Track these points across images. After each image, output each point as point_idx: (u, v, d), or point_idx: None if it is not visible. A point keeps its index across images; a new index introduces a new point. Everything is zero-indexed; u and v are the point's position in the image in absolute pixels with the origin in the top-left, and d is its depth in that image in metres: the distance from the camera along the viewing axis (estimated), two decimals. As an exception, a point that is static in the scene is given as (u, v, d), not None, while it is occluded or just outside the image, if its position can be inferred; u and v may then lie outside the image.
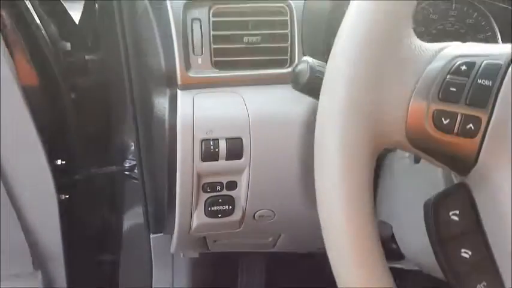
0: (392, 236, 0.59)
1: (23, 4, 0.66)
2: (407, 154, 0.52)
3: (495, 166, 0.31)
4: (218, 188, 0.55)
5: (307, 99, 0.48)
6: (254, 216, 0.59)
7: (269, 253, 0.78)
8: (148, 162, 0.65)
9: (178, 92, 0.53)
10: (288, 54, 0.56)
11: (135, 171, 0.81)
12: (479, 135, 0.30)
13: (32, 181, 0.70)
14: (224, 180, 0.55)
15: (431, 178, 0.45)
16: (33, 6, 0.68)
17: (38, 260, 0.74)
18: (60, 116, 0.73)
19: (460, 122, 0.30)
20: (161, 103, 0.56)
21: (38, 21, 0.68)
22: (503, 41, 0.66)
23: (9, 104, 0.65)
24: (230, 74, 0.54)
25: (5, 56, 0.64)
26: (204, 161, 0.52)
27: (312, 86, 0.39)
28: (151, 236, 0.79)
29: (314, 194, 0.33)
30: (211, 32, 0.54)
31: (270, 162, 0.55)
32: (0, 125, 0.65)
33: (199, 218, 0.56)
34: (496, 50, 0.32)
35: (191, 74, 0.53)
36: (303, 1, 0.56)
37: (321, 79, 0.33)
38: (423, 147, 0.32)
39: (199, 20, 0.53)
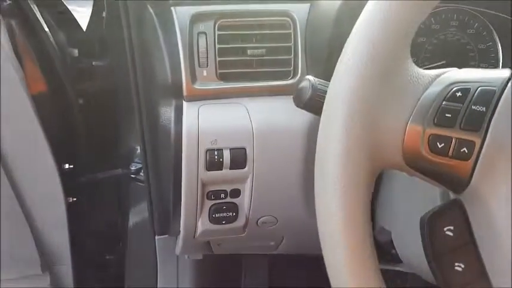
0: (392, 241, 0.61)
1: (32, 13, 0.67)
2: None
3: (488, 186, 0.32)
4: (222, 195, 0.57)
5: (309, 111, 0.49)
6: (257, 222, 0.61)
7: (272, 254, 0.80)
8: (154, 167, 0.66)
9: (184, 103, 0.55)
10: (292, 67, 0.57)
11: (141, 174, 0.83)
12: (473, 157, 0.32)
13: (41, 185, 0.72)
14: (228, 188, 0.57)
15: (429, 190, 0.47)
16: (41, 15, 0.69)
17: (46, 261, 0.76)
18: (68, 121, 0.75)
19: (454, 146, 0.32)
20: (167, 113, 0.57)
21: (47, 29, 0.70)
22: (504, 51, 0.67)
23: (18, 110, 0.67)
24: (235, 86, 0.56)
25: (14, 64, 0.66)
26: (208, 170, 0.54)
27: (313, 104, 0.40)
28: (157, 237, 0.81)
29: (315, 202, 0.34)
30: (217, 45, 0.55)
31: (273, 171, 0.57)
32: (10, 130, 0.67)
33: (203, 224, 0.58)
34: (491, 76, 0.34)
35: (197, 86, 0.55)
36: (306, 15, 0.57)
37: (322, 97, 0.35)
38: (419, 168, 0.33)
39: (205, 33, 0.55)
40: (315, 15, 0.57)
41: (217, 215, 0.57)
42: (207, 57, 0.55)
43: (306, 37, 0.57)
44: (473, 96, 0.32)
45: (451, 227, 0.35)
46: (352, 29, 0.34)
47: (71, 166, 0.75)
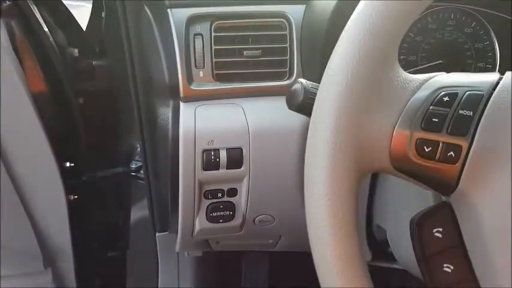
0: (387, 240, 0.62)
1: (32, 13, 0.68)
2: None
3: (475, 190, 0.33)
4: (219, 194, 0.58)
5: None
6: (254, 221, 0.61)
7: (272, 251, 0.81)
8: (153, 165, 0.67)
9: (181, 104, 0.55)
10: (287, 67, 0.58)
11: (141, 172, 0.84)
12: (460, 161, 0.32)
13: (42, 183, 0.73)
14: (225, 187, 0.58)
15: (422, 191, 0.47)
16: (41, 15, 0.70)
17: (48, 258, 0.77)
18: (68, 120, 0.76)
19: (441, 150, 0.32)
20: (165, 113, 0.58)
21: (46, 29, 0.71)
22: (501, 50, 0.67)
23: (19, 109, 0.68)
24: (231, 87, 0.57)
25: (14, 63, 0.67)
26: (205, 170, 0.55)
27: (305, 107, 0.41)
28: (157, 234, 0.82)
29: None
30: (213, 47, 0.56)
31: (269, 170, 0.57)
32: (11, 129, 0.68)
33: (201, 223, 0.59)
34: (479, 80, 0.34)
35: (193, 87, 0.55)
36: (302, 16, 0.57)
37: (314, 100, 0.35)
38: (407, 172, 0.34)
39: (201, 34, 0.55)
40: (310, 17, 0.57)
41: (214, 214, 0.58)
42: (204, 58, 0.55)
43: (302, 38, 0.57)
44: (460, 100, 0.33)
45: (440, 229, 0.35)
46: None
47: (72, 164, 0.76)
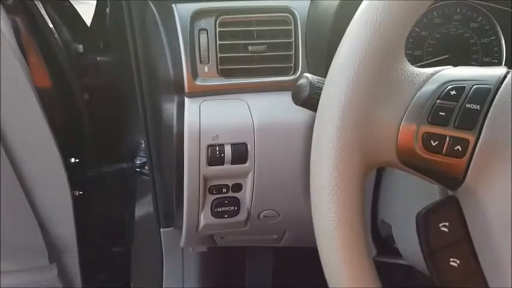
0: (392, 235, 0.61)
1: (36, 9, 0.68)
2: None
3: (482, 184, 0.32)
4: (224, 190, 0.58)
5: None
6: (259, 216, 0.61)
7: (277, 246, 0.81)
8: (158, 161, 0.67)
9: (186, 99, 0.55)
10: (292, 62, 0.58)
11: (146, 167, 0.84)
12: (467, 155, 0.32)
13: (47, 179, 0.73)
14: (230, 182, 0.58)
15: (427, 186, 0.47)
16: (46, 11, 0.70)
17: (54, 254, 0.78)
18: (73, 116, 0.76)
19: (448, 144, 0.32)
20: (170, 108, 0.58)
21: (51, 25, 0.71)
22: (507, 45, 0.67)
23: (24, 105, 0.68)
24: (235, 82, 0.56)
25: (20, 60, 0.67)
26: (210, 166, 0.55)
27: (311, 102, 0.41)
28: (162, 230, 0.82)
29: None
30: (218, 42, 0.55)
31: (274, 165, 0.57)
32: (16, 125, 0.68)
33: (206, 218, 0.59)
34: (486, 74, 0.34)
35: (198, 82, 0.55)
36: (307, 11, 0.57)
37: (320, 95, 0.35)
38: (413, 166, 0.34)
39: (206, 30, 0.55)
40: (316, 11, 0.57)
41: (219, 209, 0.58)
42: (208, 53, 0.55)
43: (307, 33, 0.57)
44: (467, 94, 0.32)
45: (446, 223, 0.35)
46: None
47: (77, 160, 0.77)
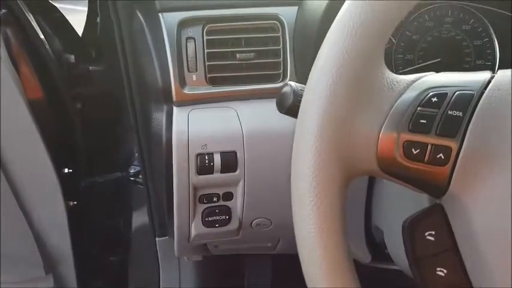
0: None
1: (27, 21, 0.68)
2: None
3: (466, 192, 0.32)
4: (215, 199, 0.57)
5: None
6: (251, 224, 0.61)
7: (275, 254, 0.81)
8: (150, 170, 0.67)
9: (174, 108, 0.55)
10: (281, 69, 0.57)
11: (140, 176, 0.84)
12: (450, 163, 0.31)
13: (40, 190, 0.73)
14: (220, 191, 0.57)
15: (416, 192, 0.46)
16: (37, 22, 0.70)
17: (49, 264, 0.77)
18: (65, 126, 0.76)
19: (430, 152, 0.31)
20: (159, 118, 0.58)
21: (42, 36, 0.71)
22: (501, 47, 0.66)
23: (16, 116, 0.68)
24: (224, 90, 0.56)
25: (11, 71, 0.67)
26: (199, 175, 0.54)
27: (295, 109, 0.40)
28: (157, 239, 0.82)
29: None
30: (206, 50, 0.55)
31: (265, 173, 0.57)
32: (8, 136, 0.68)
33: (197, 227, 0.58)
34: (469, 79, 0.33)
35: (186, 91, 0.55)
36: (294, 18, 0.57)
37: None
38: (395, 174, 0.33)
39: (194, 38, 0.55)
40: (303, 18, 0.57)
41: (210, 219, 0.58)
42: (196, 62, 0.55)
43: (295, 40, 0.57)
44: (450, 101, 0.32)
45: (432, 232, 0.35)
46: None
47: (70, 170, 0.77)
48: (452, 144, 0.31)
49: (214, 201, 0.57)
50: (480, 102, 0.32)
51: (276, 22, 0.57)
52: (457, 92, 0.32)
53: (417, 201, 0.46)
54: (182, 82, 0.55)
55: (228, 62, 0.56)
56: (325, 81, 0.31)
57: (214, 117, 0.55)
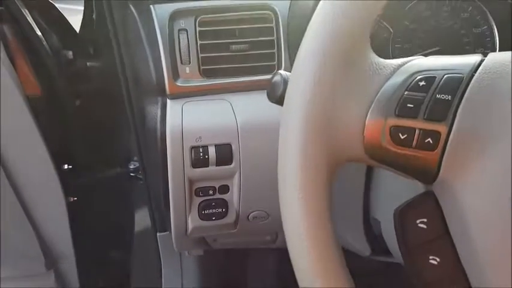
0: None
1: (24, 17, 0.68)
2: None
3: (457, 177, 0.31)
4: (211, 192, 0.57)
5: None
6: (248, 217, 0.60)
7: (279, 248, 0.80)
8: (148, 165, 0.67)
9: (168, 101, 0.55)
10: (275, 60, 0.57)
11: (140, 172, 0.84)
12: (439, 148, 0.31)
13: (40, 186, 0.73)
14: (216, 184, 0.57)
15: (412, 181, 0.46)
16: (33, 19, 0.71)
17: (50, 260, 0.78)
18: (64, 122, 0.76)
19: (418, 137, 0.31)
20: (154, 111, 0.58)
21: (39, 33, 0.71)
22: (500, 34, 0.65)
23: (14, 114, 0.68)
24: (218, 82, 0.56)
25: (8, 68, 0.67)
26: (194, 167, 0.54)
27: (286, 98, 0.40)
28: (158, 234, 0.82)
29: None
30: (198, 42, 0.55)
31: (260, 165, 0.56)
32: (7, 133, 0.68)
33: (193, 221, 0.58)
34: (458, 62, 0.32)
35: (179, 84, 0.55)
36: (288, 8, 0.56)
37: None
38: (383, 161, 0.33)
39: (186, 30, 0.55)
40: (296, 8, 0.56)
41: (206, 212, 0.58)
42: (189, 54, 0.55)
43: (289, 30, 0.56)
44: (438, 84, 0.31)
45: (424, 220, 0.34)
46: None
47: (70, 166, 0.77)
48: (441, 129, 0.31)
49: (211, 194, 0.57)
50: (470, 85, 0.31)
51: (270, 12, 0.56)
52: (445, 76, 0.31)
53: (413, 189, 0.46)
54: (175, 75, 0.55)
55: (222, 54, 0.56)
56: (309, 67, 0.31)
57: (209, 110, 0.55)
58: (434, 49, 0.65)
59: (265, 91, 0.55)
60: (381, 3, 0.32)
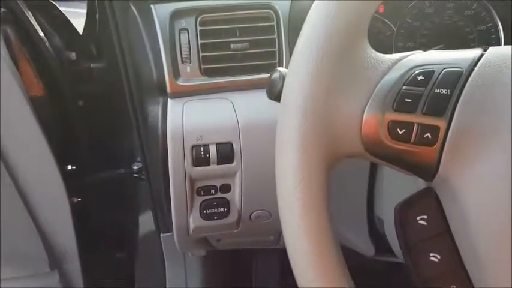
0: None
1: (27, 19, 0.69)
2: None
3: (457, 173, 0.31)
4: (212, 191, 0.57)
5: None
6: (250, 217, 0.60)
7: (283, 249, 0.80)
8: (152, 165, 0.67)
9: (169, 100, 0.55)
10: (276, 59, 0.57)
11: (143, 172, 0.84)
12: (439, 143, 0.30)
13: (44, 186, 0.74)
14: (218, 183, 0.57)
15: (414, 178, 0.45)
16: (36, 20, 0.71)
17: (55, 260, 0.78)
18: (68, 123, 0.77)
19: (416, 132, 0.30)
20: (155, 110, 0.58)
21: (42, 35, 0.71)
22: (505, 32, 0.64)
23: (18, 115, 0.69)
24: (219, 81, 0.56)
25: (12, 70, 0.67)
26: (195, 166, 0.54)
27: (284, 96, 0.39)
28: (162, 235, 0.82)
29: None
30: (199, 41, 0.55)
31: (262, 164, 0.56)
32: (11, 134, 0.69)
33: (195, 220, 0.58)
34: (457, 57, 0.32)
35: (180, 83, 0.55)
36: (289, 7, 0.56)
37: None
38: (382, 156, 0.32)
39: (187, 29, 0.55)
40: (297, 6, 0.56)
41: (208, 211, 0.57)
42: (190, 53, 0.55)
43: (289, 29, 0.56)
44: (437, 79, 0.31)
45: (425, 216, 0.33)
46: None
47: (74, 167, 0.77)
48: (440, 123, 0.30)
49: (212, 194, 0.57)
50: (469, 79, 0.30)
51: (270, 11, 0.56)
52: (444, 70, 0.31)
53: (415, 187, 0.45)
54: (176, 74, 0.55)
55: (223, 53, 0.55)
56: (306, 62, 0.31)
57: (210, 109, 0.55)
58: (438, 47, 0.64)
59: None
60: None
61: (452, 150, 0.30)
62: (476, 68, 0.31)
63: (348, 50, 0.31)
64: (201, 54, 0.55)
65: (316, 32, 0.31)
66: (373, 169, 0.59)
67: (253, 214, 0.60)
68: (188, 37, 0.55)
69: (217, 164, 0.54)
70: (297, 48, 0.32)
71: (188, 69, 0.55)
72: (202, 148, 0.53)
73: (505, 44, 0.65)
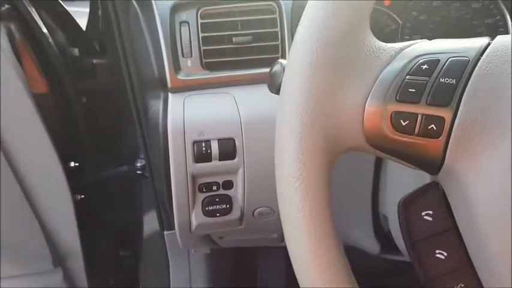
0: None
1: (30, 15, 0.69)
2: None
3: (463, 166, 0.29)
4: (214, 187, 0.56)
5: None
6: (253, 214, 0.59)
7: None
8: (155, 162, 0.66)
9: (169, 95, 0.54)
10: (279, 53, 0.56)
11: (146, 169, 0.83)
12: (444, 135, 0.29)
13: (47, 183, 0.73)
14: (220, 180, 0.56)
15: (419, 171, 0.44)
16: (40, 17, 0.71)
17: (58, 258, 0.78)
18: (71, 120, 0.76)
19: (420, 123, 0.29)
20: (156, 105, 0.57)
21: (45, 31, 0.71)
22: (514, 23, 0.63)
23: (20, 112, 0.68)
24: (220, 75, 0.55)
25: (15, 66, 0.67)
26: (197, 163, 0.53)
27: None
28: (165, 232, 0.81)
29: None
30: (200, 34, 0.54)
31: (264, 160, 0.55)
32: (13, 131, 0.68)
33: (197, 217, 0.57)
34: (463, 46, 0.31)
35: (181, 77, 0.54)
36: (291, -1, 0.55)
37: None
38: (385, 149, 0.31)
39: (188, 22, 0.54)
40: (300, -2, 0.55)
41: (210, 208, 0.56)
42: (191, 46, 0.54)
43: (293, 21, 0.55)
44: (442, 68, 0.29)
45: (430, 212, 0.32)
46: None
47: (77, 164, 0.77)
48: (445, 114, 0.29)
49: (214, 190, 0.56)
50: (476, 68, 0.29)
51: (273, 3, 0.55)
52: (450, 59, 0.30)
53: (421, 182, 0.44)
54: (177, 68, 0.54)
55: (224, 46, 0.55)
56: (306, 51, 0.30)
57: (211, 104, 0.54)
58: (445, 40, 0.63)
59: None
60: None
61: (458, 142, 0.29)
62: (483, 57, 0.30)
63: (349, 39, 0.30)
64: (202, 48, 0.54)
65: (316, 21, 0.30)
66: (378, 164, 0.58)
67: (256, 211, 0.59)
68: (189, 30, 0.54)
69: (219, 160, 0.54)
70: (296, 38, 0.31)
71: (189, 63, 0.54)
72: (203, 144, 0.53)
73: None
